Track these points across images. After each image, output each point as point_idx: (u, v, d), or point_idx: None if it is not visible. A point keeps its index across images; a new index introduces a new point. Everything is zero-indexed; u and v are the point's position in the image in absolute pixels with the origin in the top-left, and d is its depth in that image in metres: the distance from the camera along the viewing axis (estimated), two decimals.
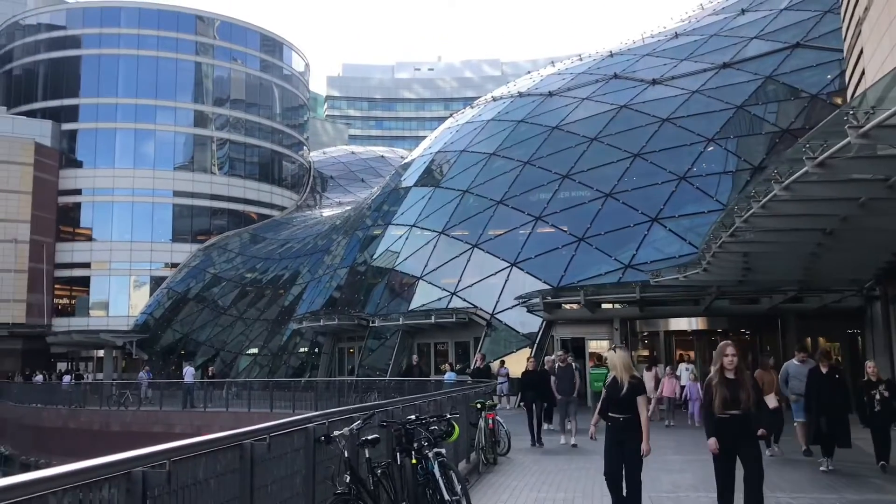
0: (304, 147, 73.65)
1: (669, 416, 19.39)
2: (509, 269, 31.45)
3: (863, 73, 22.42)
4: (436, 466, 7.58)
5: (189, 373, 34.44)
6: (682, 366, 19.69)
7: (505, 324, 30.94)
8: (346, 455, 5.72)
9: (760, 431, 7.98)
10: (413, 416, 8.00)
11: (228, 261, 55.40)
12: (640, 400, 7.58)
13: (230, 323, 49.20)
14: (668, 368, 18.80)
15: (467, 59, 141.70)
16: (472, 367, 26.19)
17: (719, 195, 30.43)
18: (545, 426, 17.47)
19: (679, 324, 29.11)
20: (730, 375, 7.22)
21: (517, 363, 29.56)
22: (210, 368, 38.13)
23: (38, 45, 62.33)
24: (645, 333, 29.98)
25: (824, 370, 12.18)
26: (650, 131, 32.56)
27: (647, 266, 28.42)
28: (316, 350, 43.04)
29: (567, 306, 28.84)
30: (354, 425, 6.06)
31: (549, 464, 12.88)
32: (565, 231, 31.17)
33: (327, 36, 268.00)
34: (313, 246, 48.75)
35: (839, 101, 30.86)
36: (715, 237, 18.33)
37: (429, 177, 39.75)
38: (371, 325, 36.10)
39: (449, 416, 8.24)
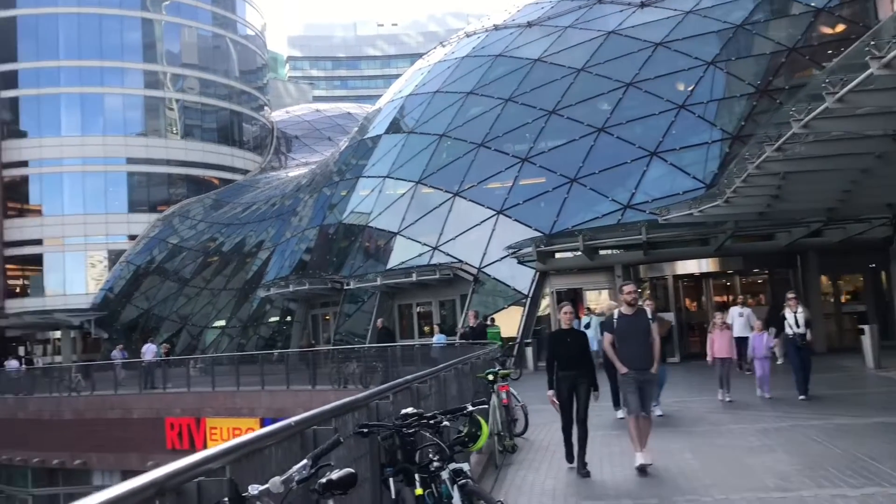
0: (266, 107, 69.51)
1: (725, 384, 13.63)
2: (495, 217, 28.33)
3: None
4: (456, 494, 4.53)
5: (150, 350, 31.19)
6: (734, 311, 16.11)
7: (494, 278, 27.93)
8: None
9: None
10: (410, 410, 4.91)
11: (190, 228, 51.65)
12: None
13: (195, 294, 45.76)
14: (718, 316, 14.13)
15: (432, 12, 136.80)
16: (462, 327, 23.24)
17: (724, 123, 27.52)
18: (617, 414, 12.18)
19: (687, 266, 26.28)
20: None
21: (509, 320, 26.70)
22: (165, 346, 34.78)
23: None
24: (650, 279, 27.09)
25: None
26: (643, 58, 29.37)
27: (649, 205, 25.57)
28: (288, 318, 39.88)
29: (563, 254, 25.90)
30: (295, 470, 2.95)
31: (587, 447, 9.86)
32: (555, 172, 28.05)
33: None
34: (279, 207, 45.23)
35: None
36: (751, 157, 15.34)
37: (400, 123, 36.30)
38: (346, 287, 32.93)
39: (472, 407, 5.12)
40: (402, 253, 31.25)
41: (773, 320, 16.68)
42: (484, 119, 31.08)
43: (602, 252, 25.68)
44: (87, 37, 56.42)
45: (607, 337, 8.68)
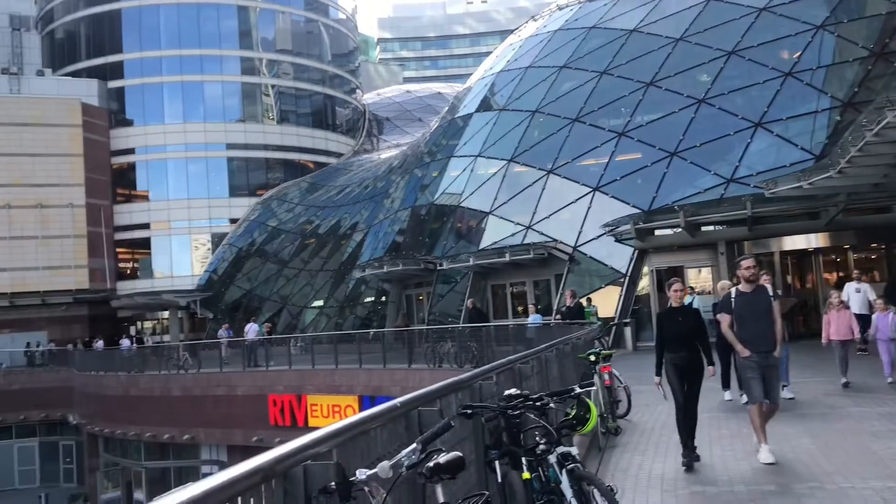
0: (358, 90, 70.26)
1: (844, 368, 12.40)
2: (591, 194, 27.73)
3: None
4: (564, 478, 4.32)
5: (252, 329, 32.08)
6: (851, 286, 15.00)
7: (590, 257, 27.38)
8: None
9: None
10: (514, 391, 4.72)
11: (288, 211, 52.89)
12: None
13: (294, 275, 46.87)
14: (834, 294, 12.99)
15: None
16: (558, 307, 22.86)
17: (834, 90, 26.01)
18: (725, 395, 11.78)
19: (795, 242, 25.08)
20: None
21: (606, 300, 26.18)
22: (267, 325, 35.76)
23: (78, 2, 60.03)
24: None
25: None
26: (745, 24, 28.05)
27: (754, 178, 24.47)
28: (383, 299, 40.34)
29: (662, 231, 25.14)
30: (404, 455, 2.80)
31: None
32: (654, 147, 27.19)
33: None
34: (372, 189, 45.71)
35: None
36: (868, 124, 14.38)
37: (491, 100, 35.94)
38: (438, 268, 32.99)
39: (580, 388, 4.87)
40: (494, 233, 31.03)
41: (892, 296, 15.62)
42: (578, 93, 30.42)
43: (704, 228, 24.78)
44: (187, 26, 58.21)
45: (724, 317, 7.87)
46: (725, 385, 11.76)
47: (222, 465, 30.20)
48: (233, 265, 52.15)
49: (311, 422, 25.00)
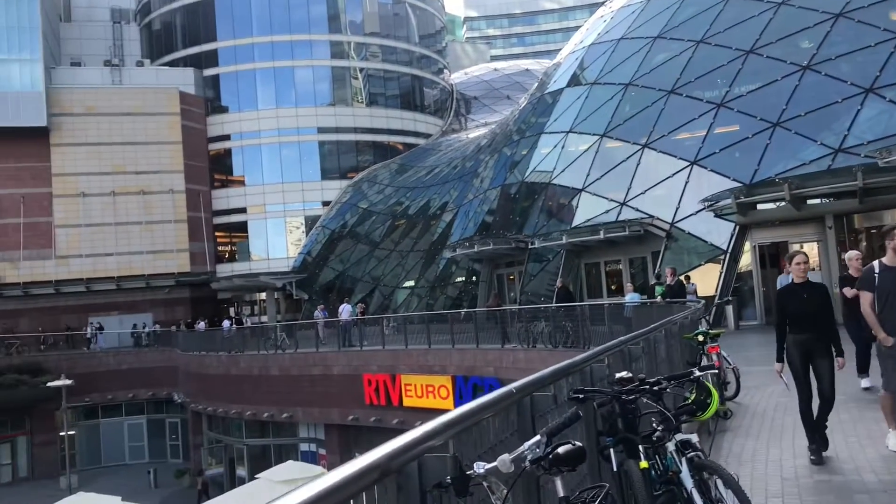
0: (445, 70, 70.05)
1: None
2: (689, 169, 26.78)
3: None
4: (684, 467, 4.01)
5: (346, 310, 32.47)
6: None
7: (688, 233, 26.50)
8: None
9: None
10: (625, 374, 4.42)
11: (378, 192, 53.46)
12: None
13: (385, 256, 47.38)
14: None
15: None
16: (653, 286, 22.11)
17: None
18: (862, 382, 10.16)
19: None
20: None
21: (705, 278, 25.31)
22: (360, 306, 36.16)
23: None
24: (866, 229, 24.59)
25: None
26: None
27: (864, 148, 23.08)
28: (473, 279, 40.26)
29: (765, 205, 24.04)
30: (527, 448, 2.56)
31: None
32: (755, 117, 25.98)
33: None
34: (461, 169, 45.57)
35: None
36: None
37: (582, 75, 35.11)
38: (530, 247, 32.60)
39: (699, 372, 4.52)
40: (587, 210, 30.41)
41: None
42: (673, 64, 29.37)
43: (810, 202, 23.56)
44: (277, 13, 59.19)
45: (866, 295, 6.80)
46: (862, 370, 10.19)
47: (320, 444, 30.81)
48: (326, 247, 53.08)
49: (406, 402, 25.16)
